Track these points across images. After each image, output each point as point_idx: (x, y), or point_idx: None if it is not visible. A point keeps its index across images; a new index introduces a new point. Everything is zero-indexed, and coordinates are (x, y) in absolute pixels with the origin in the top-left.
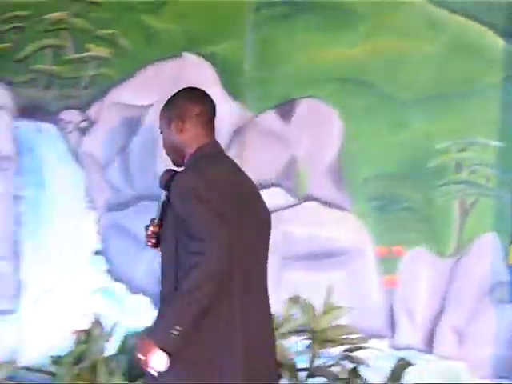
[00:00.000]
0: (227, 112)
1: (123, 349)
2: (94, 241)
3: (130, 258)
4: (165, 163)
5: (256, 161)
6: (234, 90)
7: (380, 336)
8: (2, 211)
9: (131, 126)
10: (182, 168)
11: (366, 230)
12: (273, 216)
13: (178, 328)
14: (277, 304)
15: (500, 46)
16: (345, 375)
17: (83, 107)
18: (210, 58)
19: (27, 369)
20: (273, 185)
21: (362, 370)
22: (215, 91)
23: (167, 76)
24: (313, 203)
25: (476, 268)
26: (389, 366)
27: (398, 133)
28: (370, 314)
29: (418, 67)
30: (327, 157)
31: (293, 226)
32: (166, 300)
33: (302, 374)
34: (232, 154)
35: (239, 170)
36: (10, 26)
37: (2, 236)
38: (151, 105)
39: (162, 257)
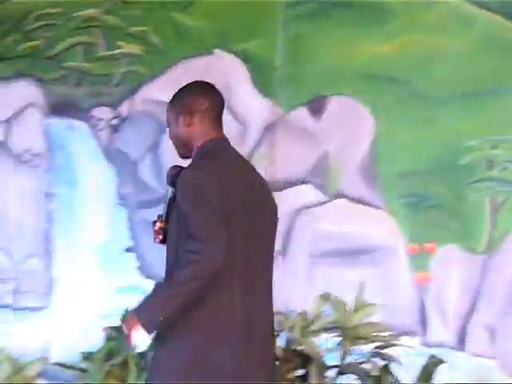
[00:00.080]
0: (258, 109)
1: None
2: (125, 238)
3: (160, 255)
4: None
5: (287, 158)
6: (265, 87)
7: (411, 333)
8: (33, 208)
9: (162, 123)
10: (189, 163)
11: (398, 227)
12: (303, 213)
13: (159, 314)
14: (307, 301)
15: None
16: (376, 372)
17: (114, 104)
18: (241, 55)
19: (58, 365)
20: (303, 182)
21: (394, 368)
22: (246, 88)
23: (198, 73)
24: (343, 200)
25: (507, 265)
26: (420, 363)
27: (429, 130)
28: (401, 311)
29: (449, 64)
30: (358, 154)
31: (323, 223)
32: (159, 284)
33: (333, 372)
34: (263, 151)
35: (247, 164)
36: (42, 23)
37: (34, 233)
38: None
39: (166, 252)
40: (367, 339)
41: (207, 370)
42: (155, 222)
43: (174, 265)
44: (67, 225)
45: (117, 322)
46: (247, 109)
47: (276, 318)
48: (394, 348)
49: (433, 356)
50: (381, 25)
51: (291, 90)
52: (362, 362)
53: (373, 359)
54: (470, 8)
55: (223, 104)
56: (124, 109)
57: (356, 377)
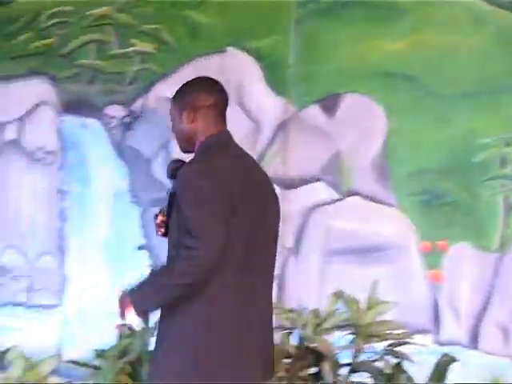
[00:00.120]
0: (271, 107)
1: None
2: (138, 236)
3: None
4: None
5: (300, 156)
6: (277, 85)
7: (424, 331)
8: (46, 206)
9: None
10: (191, 158)
11: (410, 225)
12: (316, 211)
13: (150, 302)
14: (320, 299)
15: None
16: (388, 370)
17: (127, 102)
18: (254, 53)
19: (71, 362)
20: (316, 180)
21: (406, 366)
22: (259, 86)
23: (211, 71)
24: (356, 198)
25: None
26: (433, 361)
27: (443, 127)
28: (414, 309)
29: (462, 62)
30: (371, 151)
31: (336, 221)
32: (156, 271)
33: (346, 370)
34: (275, 149)
35: (249, 159)
36: (55, 21)
37: (47, 231)
38: None
39: (168, 245)
40: (380, 337)
41: (207, 369)
42: (157, 215)
43: (175, 258)
44: (80, 223)
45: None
46: (260, 107)
47: (289, 316)
48: (406, 346)
49: (445, 354)
50: (394, 23)
51: (304, 88)
52: (375, 360)
53: (385, 357)
54: (483, 5)
55: (227, 100)
56: (137, 107)
57: (369, 375)
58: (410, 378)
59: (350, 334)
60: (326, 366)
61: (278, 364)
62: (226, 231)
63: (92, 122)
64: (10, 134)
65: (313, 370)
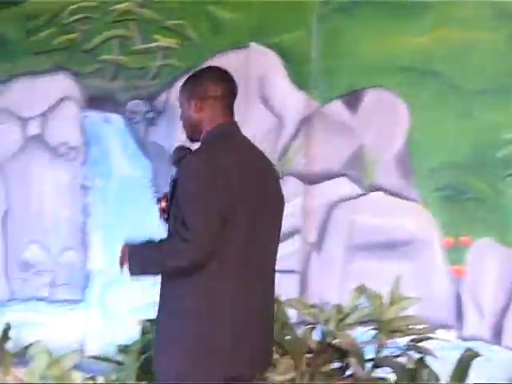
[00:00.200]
0: (293, 102)
1: None
2: (161, 231)
3: None
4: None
5: (322, 151)
6: (300, 79)
7: (447, 326)
8: (69, 201)
9: None
10: (197, 146)
11: (433, 220)
12: (339, 206)
13: (140, 266)
14: (343, 294)
15: None
16: (411, 365)
17: (150, 98)
18: (277, 48)
19: (94, 358)
20: (339, 175)
21: (429, 361)
22: (282, 81)
23: (233, 66)
24: (379, 193)
25: None
26: (456, 356)
27: (465, 122)
28: (437, 304)
29: (485, 56)
30: (394, 146)
31: (359, 216)
32: (159, 241)
33: (368, 365)
34: (298, 144)
35: (255, 151)
36: (78, 16)
37: (70, 226)
38: None
39: (167, 230)
40: (403, 332)
41: (208, 357)
42: (160, 199)
43: (171, 240)
44: (103, 218)
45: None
46: (283, 102)
47: (311, 311)
48: (429, 341)
49: (468, 349)
50: (417, 17)
51: (327, 83)
52: (398, 356)
53: (408, 352)
54: (505, 1)
55: (236, 92)
56: (160, 102)
57: (391, 370)
58: (432, 374)
59: (372, 329)
60: (353, 360)
61: (300, 359)
62: (220, 226)
63: (115, 118)
64: (34, 129)
65: (335, 365)
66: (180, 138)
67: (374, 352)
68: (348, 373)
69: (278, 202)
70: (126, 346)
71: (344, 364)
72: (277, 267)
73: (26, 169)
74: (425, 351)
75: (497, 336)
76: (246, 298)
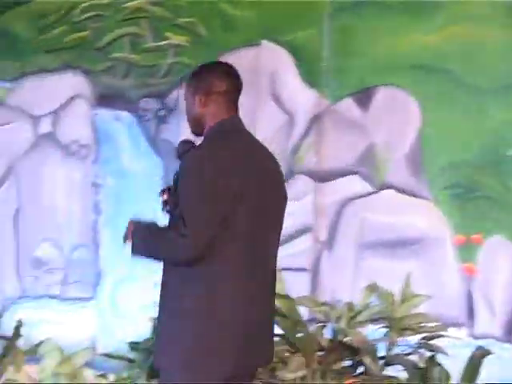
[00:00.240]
0: (304, 100)
1: None
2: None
3: None
4: None
5: (333, 148)
6: (311, 77)
7: (458, 324)
8: (81, 199)
9: None
10: (200, 141)
11: (444, 218)
12: (351, 203)
13: (142, 248)
14: (354, 291)
15: None
16: (422, 363)
17: (161, 95)
18: (288, 46)
19: (106, 355)
20: (350, 173)
21: (440, 359)
22: (293, 79)
23: (245, 64)
24: (390, 191)
25: None
26: (467, 354)
27: (477, 120)
28: (448, 302)
29: (496, 54)
30: (405, 144)
31: (370, 214)
32: (164, 228)
33: (379, 363)
34: (309, 141)
35: (258, 147)
36: (89, 14)
37: (82, 224)
38: None
39: (168, 224)
40: (414, 330)
41: (208, 357)
42: (163, 191)
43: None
44: (114, 216)
45: None
46: (294, 100)
47: (322, 309)
48: (440, 339)
49: (480, 347)
50: (428, 15)
51: (338, 81)
52: (409, 353)
53: (419, 350)
54: None
55: (240, 87)
56: (171, 100)
57: (402, 368)
58: (443, 372)
59: (383, 327)
60: (368, 357)
61: (312, 357)
62: (220, 226)
63: (126, 116)
64: (45, 127)
65: (347, 363)
66: (191, 135)
67: (384, 350)
68: (359, 371)
69: (280, 201)
70: (138, 344)
71: (355, 362)
72: (288, 265)
73: (37, 167)
74: (436, 349)
75: (508, 334)
76: (246, 298)
